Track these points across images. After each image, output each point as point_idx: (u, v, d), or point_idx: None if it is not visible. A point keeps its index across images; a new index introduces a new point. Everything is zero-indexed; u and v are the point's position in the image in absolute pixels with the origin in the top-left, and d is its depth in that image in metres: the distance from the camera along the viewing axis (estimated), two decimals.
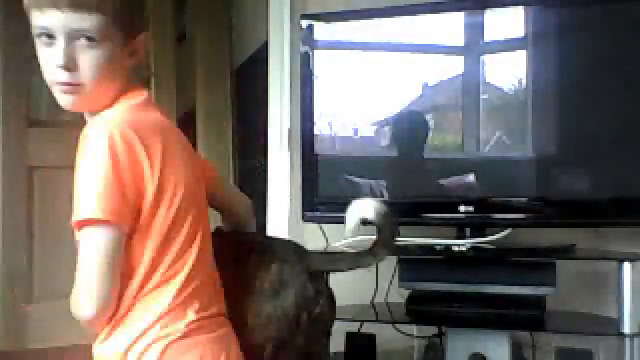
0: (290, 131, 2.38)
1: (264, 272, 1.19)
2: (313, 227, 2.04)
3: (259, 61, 2.75)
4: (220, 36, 3.24)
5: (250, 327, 1.16)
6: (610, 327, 1.58)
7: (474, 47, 1.87)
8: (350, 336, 1.92)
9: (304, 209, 1.94)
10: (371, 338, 1.91)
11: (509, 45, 1.85)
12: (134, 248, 1.05)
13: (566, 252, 1.71)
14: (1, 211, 2.67)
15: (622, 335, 1.53)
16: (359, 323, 1.92)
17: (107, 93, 1.12)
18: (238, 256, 1.20)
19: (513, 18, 1.85)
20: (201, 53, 3.19)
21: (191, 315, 1.07)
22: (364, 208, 1.24)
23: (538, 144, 1.82)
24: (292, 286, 1.18)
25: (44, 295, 2.69)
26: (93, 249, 1.02)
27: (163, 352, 1.04)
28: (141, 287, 1.06)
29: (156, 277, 1.06)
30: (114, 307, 1.04)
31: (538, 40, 1.81)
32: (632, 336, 1.52)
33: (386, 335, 1.97)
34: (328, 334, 1.26)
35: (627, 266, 1.53)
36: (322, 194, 1.92)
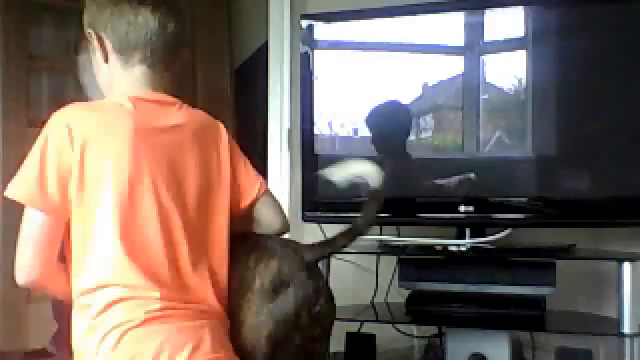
0: (290, 131, 2.38)
1: (264, 271, 1.18)
2: (313, 227, 2.04)
3: (259, 61, 2.74)
4: (220, 36, 3.24)
5: (249, 326, 1.16)
6: (610, 327, 1.58)
7: (474, 47, 1.87)
8: (350, 336, 1.92)
9: (304, 209, 1.94)
10: (371, 338, 1.91)
11: (509, 45, 1.85)
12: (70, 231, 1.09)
13: (566, 252, 1.71)
14: (1, 211, 2.66)
15: (622, 335, 1.53)
16: (359, 323, 1.92)
17: None
18: (237, 256, 1.20)
19: (513, 18, 1.85)
20: (201, 53, 3.19)
21: (151, 303, 1.04)
22: (366, 169, 1.20)
23: (538, 144, 1.82)
24: (292, 284, 1.17)
25: (44, 295, 2.68)
26: (22, 225, 1.12)
27: (119, 340, 1.02)
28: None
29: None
30: (41, 281, 1.12)
31: (538, 40, 1.81)
32: (632, 336, 1.52)
33: (386, 335, 1.97)
34: (328, 335, 1.26)
35: (627, 266, 1.54)
36: (322, 194, 1.91)
